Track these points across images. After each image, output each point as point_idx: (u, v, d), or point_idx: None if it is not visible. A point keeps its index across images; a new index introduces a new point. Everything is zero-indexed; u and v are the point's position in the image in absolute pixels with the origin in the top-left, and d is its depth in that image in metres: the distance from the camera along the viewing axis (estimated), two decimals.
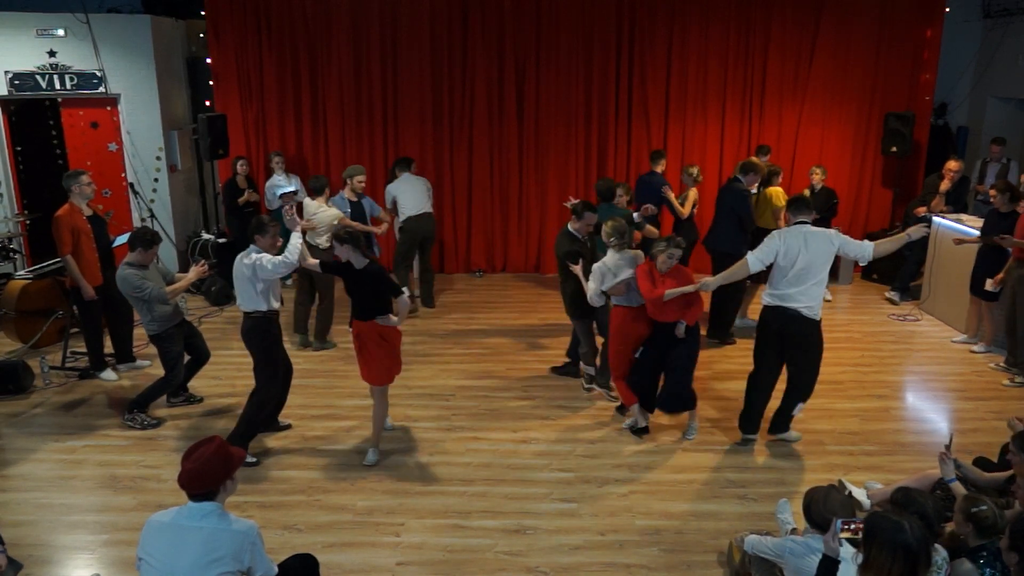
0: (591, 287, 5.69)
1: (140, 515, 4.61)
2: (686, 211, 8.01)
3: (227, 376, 6.89)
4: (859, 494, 4.78)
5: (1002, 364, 7.03)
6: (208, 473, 3.13)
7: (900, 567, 2.93)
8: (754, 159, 7.91)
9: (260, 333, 5.34)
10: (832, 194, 8.90)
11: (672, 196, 8.09)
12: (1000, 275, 6.93)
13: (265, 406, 5.50)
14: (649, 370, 5.67)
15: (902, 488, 3.84)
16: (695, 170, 8.24)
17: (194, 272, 5.94)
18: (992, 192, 7.16)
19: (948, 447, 4.14)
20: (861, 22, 9.51)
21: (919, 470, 4.75)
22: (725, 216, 7.40)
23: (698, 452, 5.63)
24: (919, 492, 3.78)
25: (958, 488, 3.98)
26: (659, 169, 8.37)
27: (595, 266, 5.71)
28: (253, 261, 5.24)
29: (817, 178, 8.84)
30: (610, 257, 5.68)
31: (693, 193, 8.08)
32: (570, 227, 6.16)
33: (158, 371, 7.02)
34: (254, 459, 5.43)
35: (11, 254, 8.38)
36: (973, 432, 5.93)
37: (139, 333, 7.57)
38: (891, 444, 5.75)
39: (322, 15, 9.53)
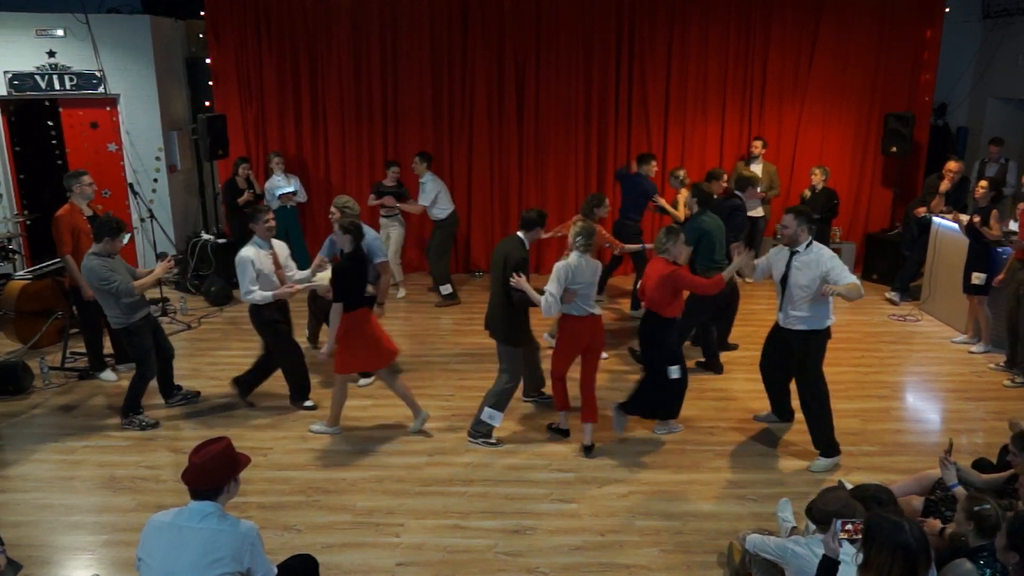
0: (552, 290, 5.22)
1: (140, 515, 4.62)
2: (681, 214, 7.98)
3: (226, 376, 6.86)
4: None
5: (1002, 364, 7.03)
6: (214, 471, 3.13)
7: (900, 567, 2.93)
8: (744, 172, 7.92)
9: (255, 316, 5.99)
10: (833, 195, 8.90)
11: (665, 203, 8.14)
12: (1001, 275, 6.94)
13: (294, 364, 6.16)
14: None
15: (859, 486, 3.95)
16: (682, 173, 8.29)
17: (161, 267, 5.95)
18: (983, 184, 7.18)
19: (948, 452, 4.14)
20: (861, 22, 9.52)
21: (919, 470, 4.75)
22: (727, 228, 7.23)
23: (698, 452, 5.63)
24: (872, 485, 3.92)
25: (960, 493, 3.98)
26: (650, 173, 8.36)
27: (558, 265, 5.28)
28: (242, 260, 5.79)
29: (817, 178, 8.85)
30: (575, 259, 5.30)
31: (683, 196, 8.06)
32: (520, 234, 5.56)
33: None
34: (312, 405, 6.23)
35: (11, 254, 8.37)
36: (973, 433, 5.93)
37: None
38: (891, 444, 5.75)
39: (322, 15, 9.52)
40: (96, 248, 5.71)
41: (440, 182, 8.90)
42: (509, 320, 5.53)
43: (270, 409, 6.31)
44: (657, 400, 5.66)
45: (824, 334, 5.28)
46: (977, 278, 7.10)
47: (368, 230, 6.38)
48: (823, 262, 5.08)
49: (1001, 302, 7.12)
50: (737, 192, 7.33)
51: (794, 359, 5.40)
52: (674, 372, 5.46)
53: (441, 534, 4.66)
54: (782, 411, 5.96)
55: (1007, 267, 6.92)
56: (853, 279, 5.05)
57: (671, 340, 5.51)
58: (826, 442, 5.41)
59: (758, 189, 9.15)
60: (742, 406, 6.31)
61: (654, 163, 8.46)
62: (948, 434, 5.90)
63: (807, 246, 5.16)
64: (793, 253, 5.21)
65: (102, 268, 5.63)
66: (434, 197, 8.78)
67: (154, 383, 6.18)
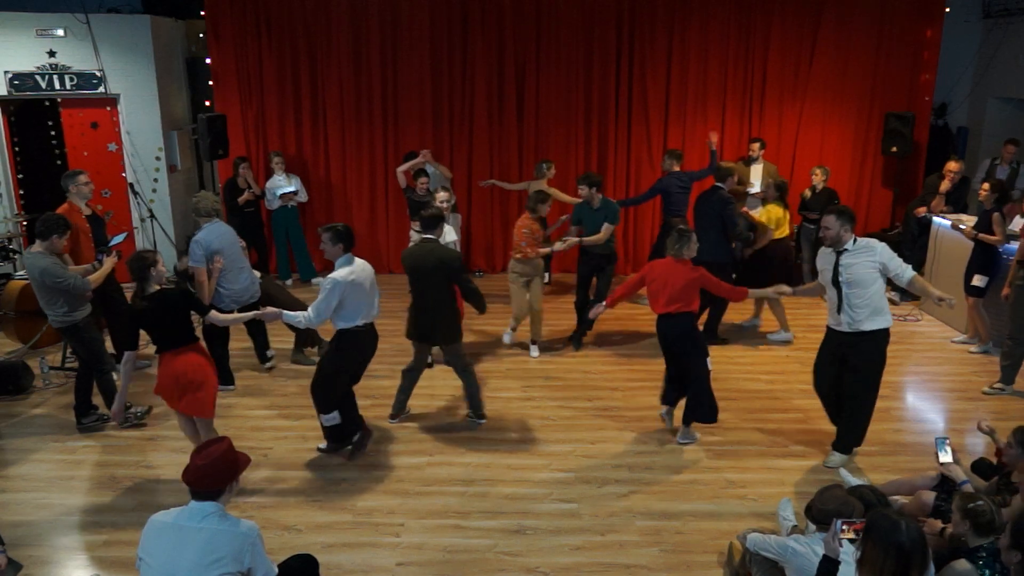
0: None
1: (140, 515, 4.61)
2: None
3: None
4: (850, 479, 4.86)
5: (995, 385, 6.64)
6: (215, 473, 3.14)
7: (892, 565, 2.97)
8: (726, 163, 7.98)
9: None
10: (833, 195, 8.89)
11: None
12: (1005, 289, 6.72)
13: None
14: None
15: (849, 488, 3.98)
16: (545, 166, 8.70)
17: (109, 263, 5.95)
18: (985, 186, 7.10)
19: (942, 456, 4.18)
20: (861, 22, 9.52)
21: (919, 470, 4.76)
22: (710, 225, 7.18)
23: (698, 452, 5.63)
24: (863, 486, 4.01)
25: (969, 490, 3.98)
26: (669, 169, 8.44)
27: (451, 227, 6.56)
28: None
29: (818, 178, 8.83)
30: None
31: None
32: (430, 235, 5.79)
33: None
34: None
35: (11, 254, 8.38)
36: (972, 433, 5.93)
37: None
38: (891, 444, 5.74)
39: (322, 15, 9.53)
40: (42, 246, 5.56)
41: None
42: (453, 320, 5.84)
43: (270, 409, 6.32)
44: (709, 398, 5.64)
45: (888, 333, 5.12)
46: (979, 280, 7.05)
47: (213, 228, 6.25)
48: (878, 253, 4.98)
49: (1001, 303, 7.04)
50: (719, 184, 7.32)
51: (853, 360, 5.14)
52: (710, 363, 5.60)
53: (441, 534, 4.66)
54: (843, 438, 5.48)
55: (1010, 276, 6.65)
56: (910, 270, 5.01)
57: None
58: (852, 443, 5.37)
59: (756, 189, 9.22)
60: (741, 406, 6.31)
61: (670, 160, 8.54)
62: (947, 434, 5.92)
63: (854, 242, 5.04)
64: (840, 252, 5.05)
65: (56, 266, 5.57)
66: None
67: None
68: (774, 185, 7.69)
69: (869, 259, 4.98)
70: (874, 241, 5.08)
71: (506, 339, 7.56)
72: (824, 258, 5.21)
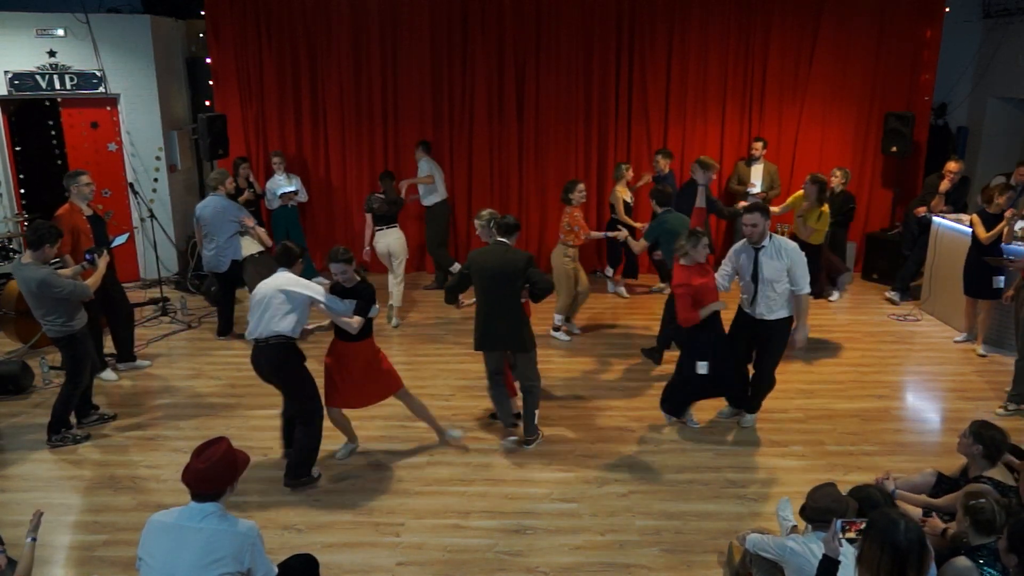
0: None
1: (140, 515, 4.62)
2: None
3: (227, 375, 6.89)
4: None
5: (1008, 395, 6.41)
6: (215, 476, 3.13)
7: (888, 563, 2.99)
8: (705, 157, 8.02)
9: (293, 359, 5.10)
10: (850, 198, 8.88)
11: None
12: (1009, 292, 6.69)
13: (315, 423, 5.20)
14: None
15: (856, 487, 3.98)
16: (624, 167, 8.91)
17: (102, 263, 5.95)
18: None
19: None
20: (861, 22, 9.51)
21: (920, 470, 4.74)
22: (694, 215, 7.58)
23: (698, 452, 5.63)
24: (870, 485, 3.99)
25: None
26: (662, 170, 8.62)
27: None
28: (305, 291, 4.99)
29: (837, 180, 8.74)
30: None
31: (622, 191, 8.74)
32: (505, 239, 5.53)
33: (159, 371, 7.07)
34: (317, 474, 5.27)
35: (11, 254, 8.38)
36: None
37: (139, 333, 7.59)
38: (891, 444, 5.75)
39: (322, 15, 9.53)
40: (33, 256, 5.37)
41: (436, 166, 9.18)
42: (524, 325, 5.61)
43: (270, 408, 6.31)
44: (671, 392, 5.90)
45: (792, 319, 5.58)
46: (997, 282, 7.01)
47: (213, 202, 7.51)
48: (787, 254, 5.36)
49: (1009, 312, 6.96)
50: (695, 178, 7.61)
51: (763, 344, 5.64)
52: (702, 367, 5.58)
53: (441, 534, 4.66)
54: (741, 399, 5.99)
55: (1016, 284, 6.54)
56: (806, 288, 5.40)
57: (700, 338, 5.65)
58: (758, 404, 5.95)
59: (757, 189, 9.22)
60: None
61: (659, 157, 8.92)
62: (948, 434, 5.92)
63: (769, 239, 5.40)
64: (758, 249, 5.41)
65: (53, 276, 5.37)
66: (427, 174, 9.04)
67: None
68: (811, 181, 7.62)
69: (781, 258, 5.36)
70: (789, 244, 5.42)
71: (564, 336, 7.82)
72: (744, 254, 5.53)
